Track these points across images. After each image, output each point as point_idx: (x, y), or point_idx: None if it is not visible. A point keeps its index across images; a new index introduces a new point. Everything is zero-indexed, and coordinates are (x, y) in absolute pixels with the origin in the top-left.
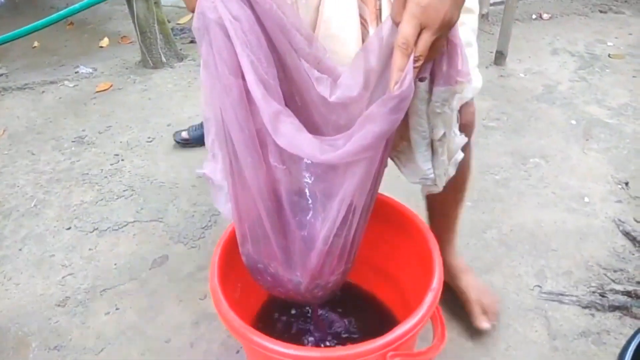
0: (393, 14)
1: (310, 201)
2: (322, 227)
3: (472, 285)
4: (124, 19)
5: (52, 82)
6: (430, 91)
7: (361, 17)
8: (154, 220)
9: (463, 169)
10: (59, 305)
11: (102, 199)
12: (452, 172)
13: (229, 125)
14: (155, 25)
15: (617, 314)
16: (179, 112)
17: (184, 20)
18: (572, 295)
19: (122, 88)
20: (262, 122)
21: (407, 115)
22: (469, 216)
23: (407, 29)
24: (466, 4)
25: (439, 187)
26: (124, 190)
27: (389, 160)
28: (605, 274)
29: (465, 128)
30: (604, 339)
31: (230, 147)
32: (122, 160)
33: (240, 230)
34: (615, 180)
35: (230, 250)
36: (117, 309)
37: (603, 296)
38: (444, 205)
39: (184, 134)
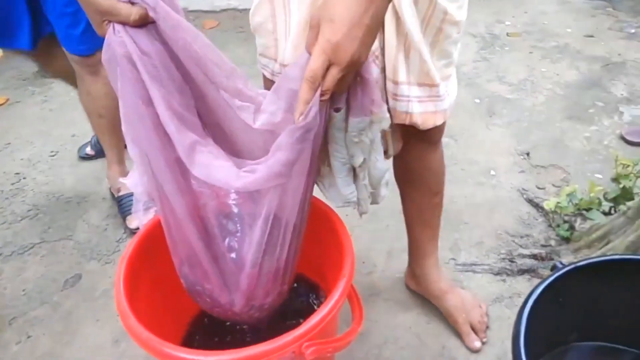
0: (306, 44)
1: (238, 224)
2: (249, 249)
3: (458, 306)
4: None
5: None
6: (346, 121)
7: None
8: (63, 239)
9: (435, 171)
10: None
11: (4, 222)
12: (384, 193)
13: (147, 152)
14: None
15: (526, 276)
16: (84, 122)
17: None
18: (484, 264)
19: (19, 101)
20: None
21: (326, 142)
22: (387, 197)
23: (316, 63)
24: (455, 17)
25: (365, 210)
26: (29, 210)
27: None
28: (513, 241)
29: (434, 134)
30: (515, 301)
31: (155, 173)
32: (24, 178)
33: (175, 254)
34: (517, 152)
35: (139, 261)
36: (29, 337)
37: (512, 262)
38: (421, 212)
39: (88, 150)
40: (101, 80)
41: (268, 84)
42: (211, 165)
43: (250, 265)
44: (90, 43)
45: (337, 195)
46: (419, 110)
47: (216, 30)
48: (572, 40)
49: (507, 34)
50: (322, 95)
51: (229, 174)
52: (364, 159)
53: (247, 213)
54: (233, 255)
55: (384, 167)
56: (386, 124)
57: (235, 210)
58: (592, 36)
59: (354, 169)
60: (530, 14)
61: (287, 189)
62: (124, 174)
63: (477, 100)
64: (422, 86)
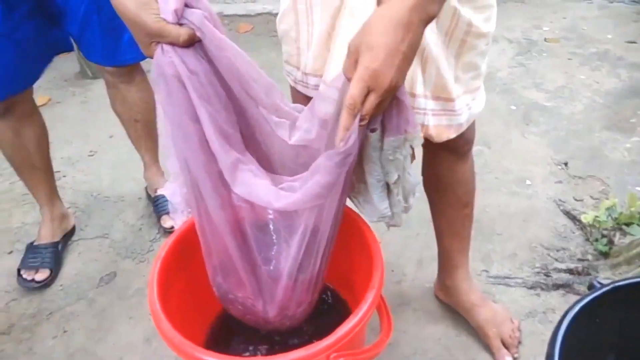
0: (344, 68)
1: (274, 237)
2: (286, 263)
3: (489, 319)
4: None
5: None
6: (381, 140)
7: None
8: (100, 237)
9: (464, 183)
10: (3, 334)
11: None
12: (411, 204)
13: (192, 167)
14: None
15: (561, 291)
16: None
17: None
18: (517, 278)
19: (60, 101)
20: None
21: (362, 161)
22: (417, 206)
23: (355, 91)
24: (481, 29)
25: (399, 224)
26: (67, 208)
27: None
28: (548, 254)
29: (462, 146)
30: (549, 317)
31: (195, 186)
32: (64, 176)
33: (209, 262)
34: (554, 162)
35: (174, 261)
36: (65, 331)
37: (547, 276)
38: (451, 223)
39: (38, 275)
40: (135, 86)
41: (292, 90)
42: (252, 184)
43: (286, 278)
44: (139, 50)
45: (373, 211)
46: (433, 123)
47: (250, 34)
48: (612, 46)
49: (545, 40)
50: (361, 120)
51: (269, 193)
52: (399, 176)
53: (284, 227)
54: (270, 267)
55: (416, 181)
56: (418, 142)
57: (272, 224)
58: (634, 42)
59: (387, 185)
60: (569, 19)
61: (323, 207)
62: (160, 172)
63: (513, 107)
64: (437, 100)
